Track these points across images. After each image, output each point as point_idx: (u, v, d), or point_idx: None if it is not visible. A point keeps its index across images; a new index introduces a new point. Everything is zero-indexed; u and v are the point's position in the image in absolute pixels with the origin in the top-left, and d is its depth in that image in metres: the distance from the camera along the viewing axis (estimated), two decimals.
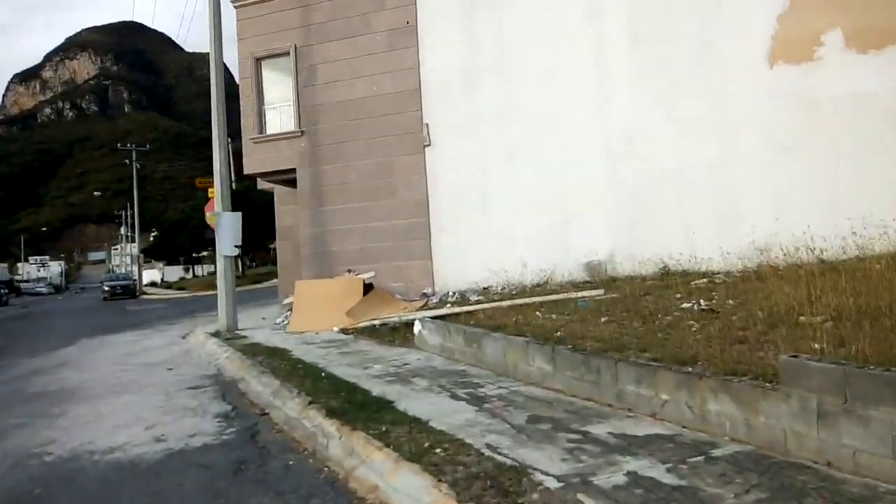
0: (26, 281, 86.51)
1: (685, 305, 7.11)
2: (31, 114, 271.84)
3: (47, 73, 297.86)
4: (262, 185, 16.51)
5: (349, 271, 13.03)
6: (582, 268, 12.16)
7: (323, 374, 7.17)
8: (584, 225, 12.25)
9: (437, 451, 4.14)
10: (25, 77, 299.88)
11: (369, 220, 13.57)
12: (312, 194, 14.02)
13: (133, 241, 65.66)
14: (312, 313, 11.89)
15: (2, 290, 41.19)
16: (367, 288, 12.47)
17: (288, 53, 14.19)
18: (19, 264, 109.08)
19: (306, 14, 14.05)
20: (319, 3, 13.98)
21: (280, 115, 14.79)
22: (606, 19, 12.26)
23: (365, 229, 13.61)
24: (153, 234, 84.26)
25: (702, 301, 7.17)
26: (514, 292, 11.69)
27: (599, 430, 4.37)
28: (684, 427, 4.28)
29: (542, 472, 3.61)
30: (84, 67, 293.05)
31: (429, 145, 13.25)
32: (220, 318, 12.87)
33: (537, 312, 8.35)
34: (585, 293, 9.72)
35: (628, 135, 12.07)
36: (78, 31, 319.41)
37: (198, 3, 19.56)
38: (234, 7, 14.50)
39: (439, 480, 3.64)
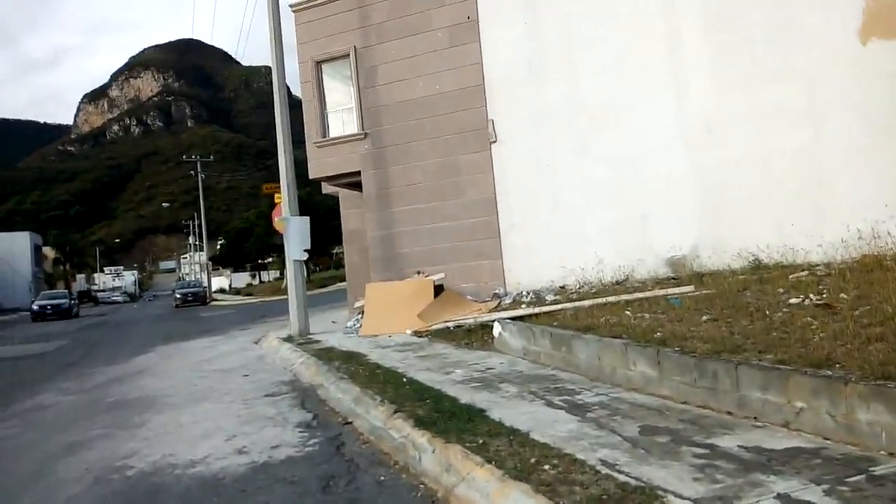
0: (102, 291, 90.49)
1: (793, 301, 6.50)
2: (101, 131, 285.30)
3: (114, 92, 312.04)
4: (326, 189, 16.47)
5: (418, 273, 12.78)
6: (663, 263, 11.56)
7: (404, 380, 6.90)
8: (664, 218, 11.63)
9: (546, 467, 3.76)
10: (94, 97, 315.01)
11: (437, 220, 13.29)
12: (378, 196, 13.85)
13: (201, 249, 67.62)
14: (384, 316, 11.69)
15: (72, 302, 37.05)
16: (438, 289, 12.20)
17: (347, 55, 14.06)
18: (95, 275, 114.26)
19: (364, 15, 13.89)
20: (378, 2, 13.79)
21: (342, 118, 14.70)
22: (678, 3, 11.63)
23: (433, 230, 13.34)
24: (220, 242, 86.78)
25: (811, 296, 6.56)
26: (593, 291, 11.19)
27: (728, 443, 3.90)
28: (827, 439, 3.77)
29: (676, 495, 3.18)
30: (148, 85, 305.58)
31: (495, 142, 12.88)
32: (291, 323, 12.83)
33: (626, 311, 7.87)
34: (675, 290, 9.15)
35: (707, 123, 11.39)
36: (141, 50, 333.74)
37: (254, 17, 19.74)
38: (293, 11, 14.47)
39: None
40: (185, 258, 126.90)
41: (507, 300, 12.02)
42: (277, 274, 69.12)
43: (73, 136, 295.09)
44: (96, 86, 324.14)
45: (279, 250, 48.95)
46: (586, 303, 9.58)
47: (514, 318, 9.73)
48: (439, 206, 13.30)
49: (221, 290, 66.47)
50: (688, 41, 11.53)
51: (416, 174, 13.47)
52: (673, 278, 11.07)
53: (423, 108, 13.31)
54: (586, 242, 12.13)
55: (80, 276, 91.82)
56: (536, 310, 9.99)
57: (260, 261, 69.53)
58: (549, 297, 11.40)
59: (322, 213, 38.23)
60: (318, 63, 14.30)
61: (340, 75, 14.74)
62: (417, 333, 10.84)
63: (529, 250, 12.63)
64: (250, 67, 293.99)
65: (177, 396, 8.23)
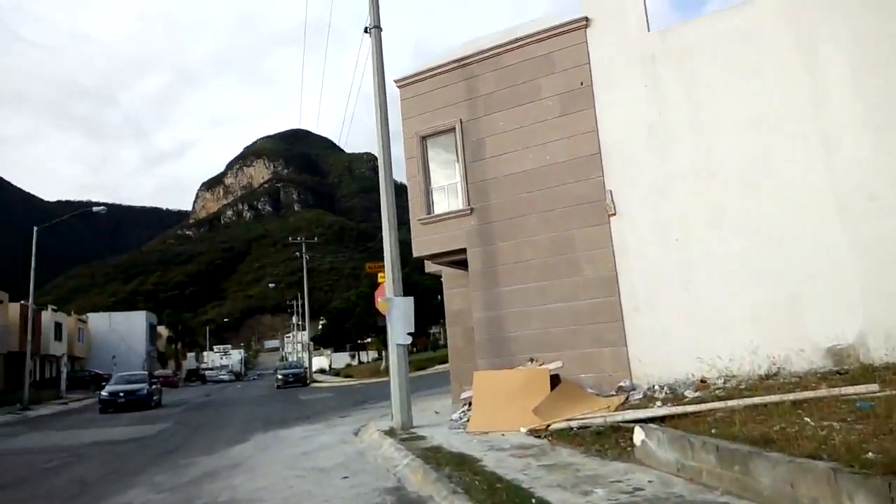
0: (210, 369, 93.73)
1: None
2: (216, 216, 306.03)
3: (229, 180, 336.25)
4: (429, 268, 15.73)
5: (531, 360, 11.53)
6: (823, 354, 9.81)
7: (533, 501, 5.62)
8: (819, 300, 9.98)
9: None
10: (211, 184, 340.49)
11: (549, 300, 12.12)
12: (484, 275, 12.88)
13: (304, 329, 68.91)
14: (494, 410, 10.44)
15: (152, 387, 27.88)
16: (554, 380, 10.86)
17: (453, 129, 13.53)
18: (205, 353, 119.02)
19: (471, 87, 13.39)
20: (484, 74, 13.29)
21: (447, 194, 14.05)
22: (822, 57, 10.34)
23: (544, 311, 12.16)
24: (321, 322, 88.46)
25: None
26: (741, 386, 9.54)
27: None
28: None
29: None
30: (259, 173, 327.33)
31: (614, 214, 11.73)
32: (394, 414, 11.79)
33: (807, 419, 6.28)
34: (852, 389, 7.47)
35: (868, 189, 9.85)
36: (254, 140, 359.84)
37: (357, 106, 19.93)
38: (398, 86, 14.21)
39: None
40: (289, 337, 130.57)
41: (637, 395, 10.50)
42: (376, 354, 69.13)
43: (191, 221, 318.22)
44: (213, 174, 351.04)
45: (379, 331, 48.77)
46: (739, 402, 8.03)
47: (650, 419, 8.30)
48: (552, 286, 12.15)
49: (321, 371, 66.97)
50: (836, 95, 10.18)
51: (525, 251, 12.46)
52: (838, 372, 9.31)
53: (533, 181, 12.44)
54: (727, 327, 10.60)
55: (191, 355, 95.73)
56: (676, 409, 8.50)
57: (359, 341, 69.85)
58: (689, 393, 9.83)
59: (421, 293, 37.78)
60: (423, 138, 13.84)
61: (446, 150, 14.22)
62: (534, 433, 9.50)
63: (659, 336, 11.17)
64: (353, 154, 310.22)
65: (270, 502, 7.28)
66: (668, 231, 11.23)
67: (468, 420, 10.93)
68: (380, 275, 14.38)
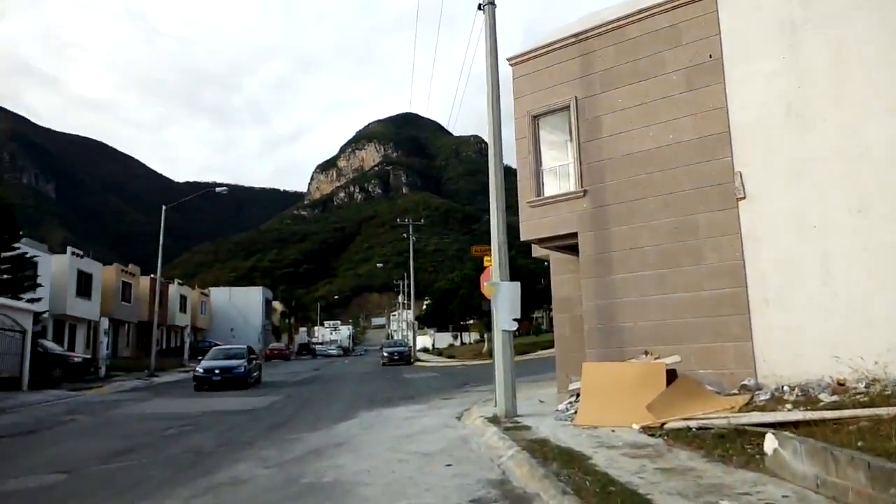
0: (320, 343, 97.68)
1: None
2: (329, 198, 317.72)
3: (342, 163, 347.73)
4: (536, 252, 15.23)
5: (646, 353, 10.83)
6: None
7: None
8: None
9: None
10: (325, 167, 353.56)
11: (667, 290, 11.34)
12: (597, 261, 12.25)
13: (409, 307, 70.19)
14: (604, 404, 9.89)
15: (251, 363, 24.57)
16: (670, 375, 10.13)
17: (567, 107, 12.91)
18: (315, 328, 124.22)
19: (587, 63, 12.69)
20: (603, 48, 12.55)
21: (558, 175, 13.48)
22: None
23: (662, 301, 11.39)
24: (426, 301, 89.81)
25: None
26: (886, 392, 8.47)
27: None
28: None
29: None
30: (370, 156, 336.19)
31: (743, 198, 10.75)
32: (497, 401, 11.50)
33: None
34: None
35: None
36: (366, 124, 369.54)
37: (466, 90, 19.69)
38: (510, 64, 13.74)
39: None
40: (394, 315, 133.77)
41: (763, 396, 9.61)
42: (478, 336, 69.30)
43: (306, 202, 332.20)
44: (327, 157, 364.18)
45: (481, 313, 48.69)
46: (889, 411, 7.08)
47: (781, 424, 7.52)
48: (671, 274, 11.35)
49: (425, 350, 67.99)
50: None
51: (642, 236, 11.71)
52: None
53: (653, 161, 11.63)
54: (870, 325, 9.48)
55: (303, 329, 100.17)
56: (812, 415, 7.65)
57: (462, 322, 70.27)
58: (824, 397, 8.86)
59: (525, 277, 37.25)
60: (535, 117, 13.31)
61: (558, 130, 13.64)
62: (648, 431, 8.89)
63: (790, 333, 10.17)
64: (460, 137, 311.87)
65: (373, 486, 7.18)
66: (805, 217, 10.14)
67: (575, 412, 10.45)
68: (486, 258, 14.04)
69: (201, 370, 23.08)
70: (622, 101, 12.18)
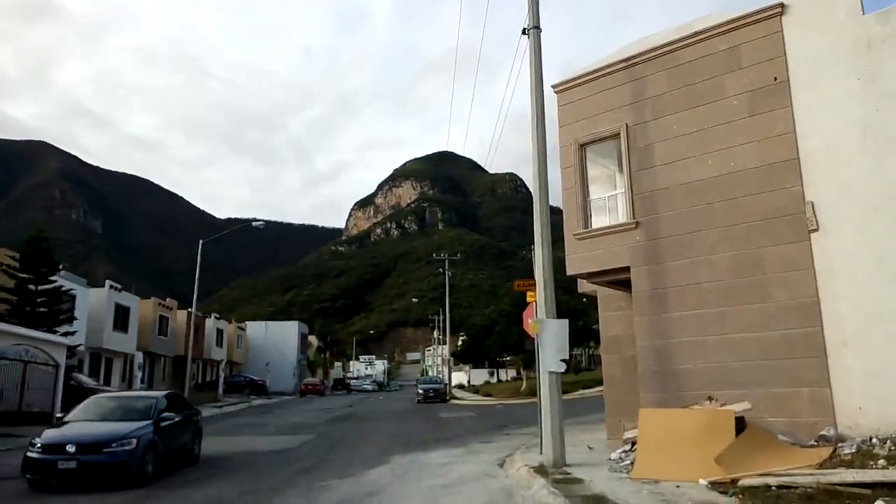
0: (355, 378, 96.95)
1: None
2: (366, 234, 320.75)
3: (379, 200, 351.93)
4: (582, 287, 14.41)
5: (710, 399, 9.87)
6: None
7: None
8: None
9: None
10: (363, 204, 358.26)
11: (731, 329, 10.41)
12: (651, 297, 11.39)
13: (444, 342, 69.22)
14: (666, 455, 8.93)
15: (164, 428, 11.34)
16: (738, 424, 9.15)
17: (617, 135, 12.22)
18: (351, 362, 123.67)
19: (638, 88, 12.03)
20: (654, 73, 11.89)
21: (607, 207, 12.74)
22: None
23: (724, 342, 10.45)
24: (461, 337, 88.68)
25: None
26: None
27: None
28: None
29: None
30: (407, 193, 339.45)
31: (815, 230, 9.85)
32: (544, 449, 10.61)
33: None
34: None
35: None
36: (403, 163, 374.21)
37: (504, 128, 19.32)
38: (555, 92, 13.15)
39: None
40: (429, 350, 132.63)
41: (848, 449, 8.55)
42: (514, 374, 67.76)
43: (343, 238, 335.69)
44: (365, 194, 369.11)
45: (519, 350, 47.48)
46: None
47: (880, 485, 6.56)
48: (734, 312, 10.43)
49: (460, 386, 66.72)
50: None
51: (701, 271, 10.83)
52: None
53: (713, 191, 10.82)
54: None
55: (338, 364, 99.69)
56: None
57: (498, 359, 68.90)
58: None
59: (565, 314, 36.23)
60: (582, 146, 12.65)
61: (606, 159, 12.96)
62: (717, 486, 7.92)
63: (874, 378, 9.16)
64: (495, 175, 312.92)
65: None
66: (890, 252, 9.18)
67: (632, 463, 9.49)
68: (528, 294, 13.24)
69: (38, 448, 10.26)
70: (677, 128, 11.45)
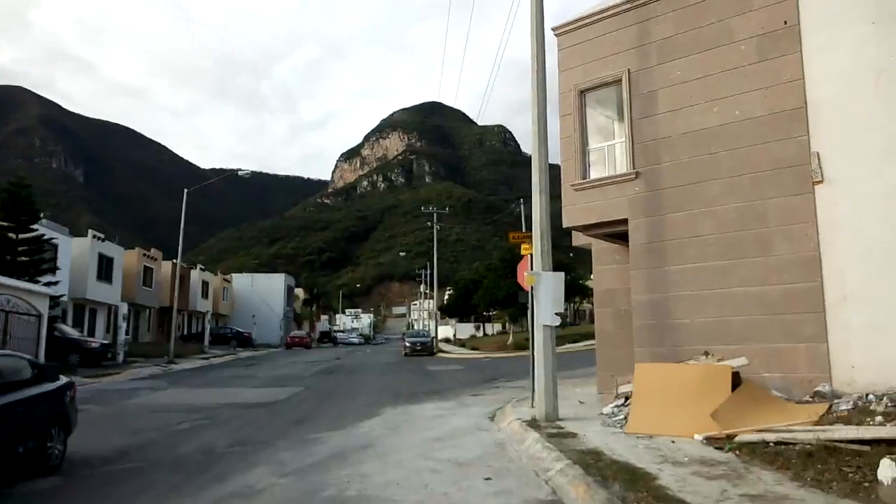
0: (342, 331, 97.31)
1: None
2: (353, 186, 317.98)
3: (365, 151, 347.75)
4: (577, 240, 14.09)
5: (706, 354, 9.70)
6: None
7: None
8: None
9: None
10: (349, 155, 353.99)
11: (730, 283, 10.17)
12: (649, 250, 11.10)
13: (432, 297, 69.30)
14: (660, 410, 8.78)
15: None
16: (734, 379, 8.99)
17: (619, 81, 11.73)
18: (337, 316, 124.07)
19: (643, 32, 11.49)
20: (661, 15, 11.33)
21: (606, 159, 12.33)
22: None
23: (723, 296, 10.23)
24: (448, 292, 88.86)
25: None
26: None
27: None
28: None
29: None
30: (394, 145, 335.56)
31: (820, 182, 9.53)
32: (536, 402, 10.46)
33: None
34: None
35: None
36: (390, 113, 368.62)
37: (496, 77, 18.64)
38: (556, 35, 12.57)
39: None
40: (415, 304, 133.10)
41: (845, 406, 8.42)
42: (500, 328, 68.17)
43: (329, 191, 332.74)
44: (351, 146, 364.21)
45: (505, 304, 47.46)
46: None
47: (880, 441, 6.42)
48: (734, 266, 10.18)
49: (446, 340, 67.09)
50: None
51: (703, 223, 10.53)
52: None
53: (717, 140, 10.43)
54: None
55: (324, 317, 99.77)
56: None
57: (485, 313, 69.18)
58: None
59: (555, 266, 36.06)
60: (582, 92, 12.16)
61: (605, 107, 12.49)
62: (713, 441, 7.79)
63: (873, 333, 8.98)
64: (484, 127, 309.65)
65: None
66: None
67: (625, 418, 9.36)
68: (523, 246, 12.93)
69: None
70: (682, 74, 10.97)
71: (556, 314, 10.45)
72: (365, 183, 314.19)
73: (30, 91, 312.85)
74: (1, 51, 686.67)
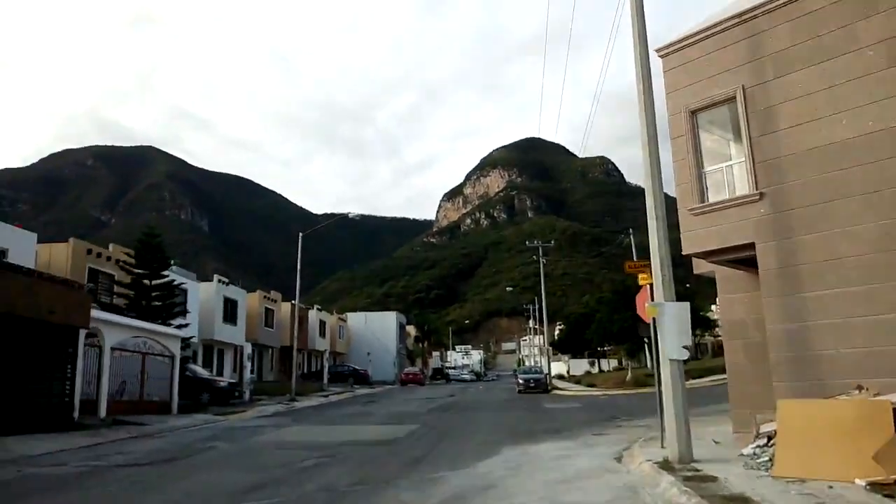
0: (453, 368, 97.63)
1: None
2: (456, 225, 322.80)
3: (467, 190, 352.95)
4: (699, 268, 13.37)
5: (859, 389, 8.78)
6: None
7: None
8: None
9: None
10: (451, 195, 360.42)
11: (880, 309, 9.23)
12: (782, 276, 10.32)
13: (541, 332, 68.26)
14: (811, 451, 7.99)
15: None
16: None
17: (732, 98, 11.15)
18: (448, 352, 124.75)
19: (755, 45, 10.91)
20: (774, 27, 10.73)
21: (724, 180, 11.70)
22: None
23: (872, 324, 9.29)
24: (559, 327, 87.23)
25: None
26: None
27: None
28: None
29: None
30: (494, 182, 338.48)
31: None
32: (667, 442, 9.86)
33: None
34: None
35: None
36: (490, 151, 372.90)
37: (594, 111, 18.36)
38: (659, 56, 12.18)
39: None
40: (525, 340, 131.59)
41: None
42: (616, 364, 65.92)
43: (434, 230, 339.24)
44: (453, 185, 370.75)
45: (620, 339, 45.78)
46: None
47: None
48: (880, 290, 9.25)
49: (560, 377, 65.62)
50: None
51: (841, 244, 9.68)
52: None
53: (849, 154, 9.63)
54: None
55: (436, 354, 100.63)
56: None
57: (599, 348, 67.17)
58: None
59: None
60: (693, 112, 11.65)
61: (719, 126, 11.92)
62: (878, 487, 6.97)
63: None
64: (585, 159, 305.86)
65: None
66: None
67: (770, 459, 8.60)
68: (641, 276, 12.41)
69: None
70: (803, 87, 10.27)
71: (684, 347, 9.89)
72: (468, 221, 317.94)
73: (158, 149, 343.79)
74: (134, 114, 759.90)
